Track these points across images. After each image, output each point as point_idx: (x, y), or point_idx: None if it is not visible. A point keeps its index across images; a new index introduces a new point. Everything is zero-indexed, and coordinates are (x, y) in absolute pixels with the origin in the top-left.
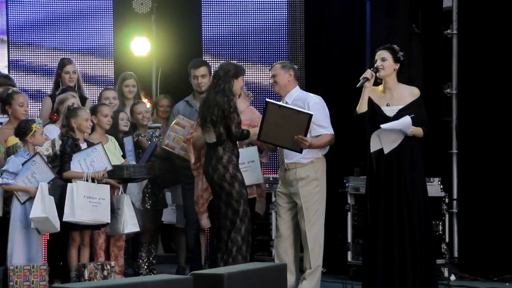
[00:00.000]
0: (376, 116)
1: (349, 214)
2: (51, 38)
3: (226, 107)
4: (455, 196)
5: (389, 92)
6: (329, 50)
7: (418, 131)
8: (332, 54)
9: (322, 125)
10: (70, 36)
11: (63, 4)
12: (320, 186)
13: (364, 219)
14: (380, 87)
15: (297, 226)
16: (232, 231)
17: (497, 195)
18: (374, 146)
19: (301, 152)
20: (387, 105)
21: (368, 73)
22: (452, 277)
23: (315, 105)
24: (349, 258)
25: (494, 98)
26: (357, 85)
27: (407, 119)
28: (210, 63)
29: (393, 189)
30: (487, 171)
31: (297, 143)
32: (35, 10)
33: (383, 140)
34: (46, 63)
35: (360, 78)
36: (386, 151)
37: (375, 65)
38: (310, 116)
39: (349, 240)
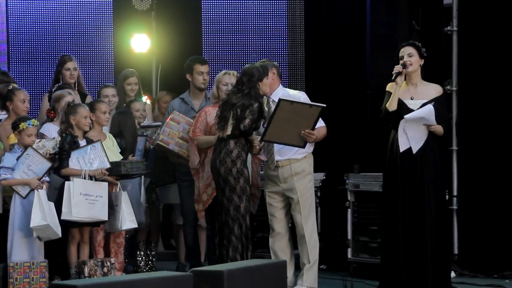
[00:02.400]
0: (400, 111)
1: (349, 211)
2: (50, 35)
3: (253, 108)
4: (455, 193)
5: (413, 87)
6: (329, 46)
7: (439, 128)
8: (332, 52)
9: None
10: (70, 34)
11: (63, 2)
12: (312, 181)
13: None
14: (403, 83)
15: (291, 223)
16: (235, 228)
17: (497, 192)
18: (403, 145)
19: (304, 147)
20: (411, 99)
21: (398, 67)
22: (452, 274)
23: (305, 101)
24: (349, 255)
25: (494, 95)
26: (392, 78)
27: (429, 107)
28: (210, 59)
29: (417, 187)
30: (487, 168)
31: (302, 138)
32: (34, 7)
33: (411, 137)
34: (45, 59)
35: (393, 72)
36: (414, 150)
37: (403, 61)
38: (322, 108)
39: (349, 237)
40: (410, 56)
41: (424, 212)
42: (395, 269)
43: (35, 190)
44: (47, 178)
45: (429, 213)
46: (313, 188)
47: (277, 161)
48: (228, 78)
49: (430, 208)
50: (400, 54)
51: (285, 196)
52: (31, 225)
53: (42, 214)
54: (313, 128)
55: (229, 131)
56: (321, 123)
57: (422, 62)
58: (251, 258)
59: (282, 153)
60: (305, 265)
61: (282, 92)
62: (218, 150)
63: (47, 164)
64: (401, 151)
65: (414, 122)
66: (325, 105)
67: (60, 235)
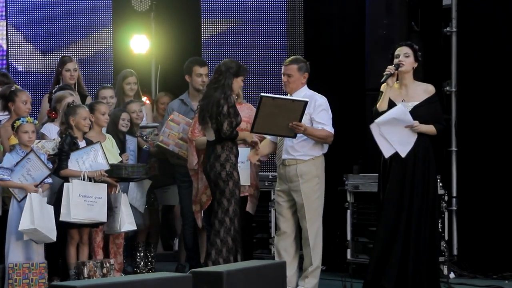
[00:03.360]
0: None
1: (348, 212)
2: (49, 36)
3: (222, 103)
4: (454, 194)
5: (404, 89)
6: (328, 48)
7: (430, 128)
8: (331, 52)
9: (321, 122)
10: (69, 34)
11: (62, 2)
12: (320, 183)
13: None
14: (396, 85)
15: (298, 223)
16: (222, 231)
17: (496, 193)
18: (386, 150)
19: (295, 137)
20: (402, 101)
21: (391, 68)
22: (451, 275)
23: (319, 106)
24: (349, 256)
25: (493, 96)
26: (381, 80)
27: (399, 107)
28: (209, 60)
29: (406, 188)
30: (486, 169)
31: (291, 129)
32: (33, 7)
33: (393, 141)
34: (44, 60)
35: (383, 73)
36: (403, 154)
37: (397, 61)
38: (305, 103)
39: (349, 238)
40: (407, 57)
41: (411, 214)
42: (380, 269)
43: (29, 193)
44: (49, 180)
45: (415, 214)
46: (321, 191)
47: (283, 159)
48: None
49: (415, 210)
50: (396, 53)
51: (292, 196)
52: (19, 228)
53: (31, 218)
54: (300, 120)
55: (212, 135)
56: (327, 127)
57: (415, 65)
58: (250, 259)
59: (290, 151)
60: (307, 267)
61: (305, 93)
62: (208, 155)
63: (46, 172)
64: (386, 157)
65: (389, 125)
66: (307, 100)
67: (54, 239)
